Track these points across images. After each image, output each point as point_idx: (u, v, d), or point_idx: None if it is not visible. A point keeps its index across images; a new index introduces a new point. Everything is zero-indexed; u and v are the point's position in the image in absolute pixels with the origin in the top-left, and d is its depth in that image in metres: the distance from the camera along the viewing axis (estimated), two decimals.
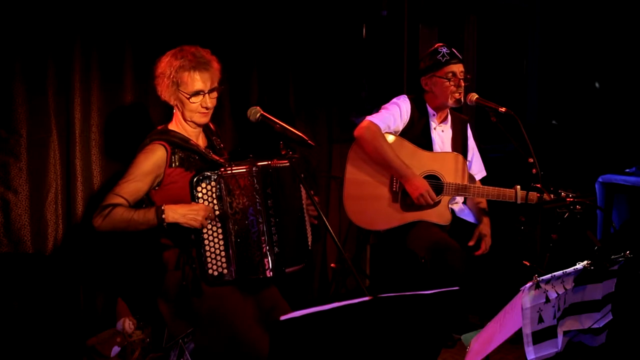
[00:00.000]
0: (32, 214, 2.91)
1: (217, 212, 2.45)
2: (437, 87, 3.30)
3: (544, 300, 1.91)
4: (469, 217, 3.47)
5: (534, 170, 3.05)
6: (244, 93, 3.65)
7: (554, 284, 1.94)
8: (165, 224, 2.39)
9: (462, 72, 3.29)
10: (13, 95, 2.83)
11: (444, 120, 3.43)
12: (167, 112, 2.94)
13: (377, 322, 1.78)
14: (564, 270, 1.98)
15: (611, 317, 2.16)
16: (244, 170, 2.47)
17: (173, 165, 2.51)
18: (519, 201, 3.19)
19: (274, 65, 3.78)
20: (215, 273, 2.45)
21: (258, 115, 2.49)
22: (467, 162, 3.43)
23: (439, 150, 3.35)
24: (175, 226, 2.40)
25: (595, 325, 2.12)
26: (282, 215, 2.52)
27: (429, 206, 3.22)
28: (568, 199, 2.99)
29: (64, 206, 3.02)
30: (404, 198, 3.25)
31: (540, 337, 1.92)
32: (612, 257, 2.10)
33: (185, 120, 2.58)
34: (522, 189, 3.18)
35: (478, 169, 3.54)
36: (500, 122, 3.15)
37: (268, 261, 2.47)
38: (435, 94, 3.32)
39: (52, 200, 2.97)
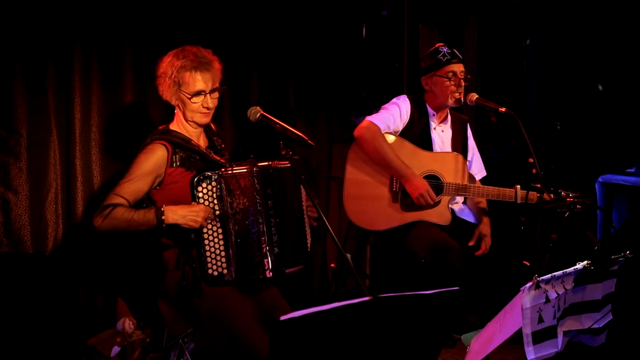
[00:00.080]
0: (32, 214, 2.91)
1: (218, 212, 2.45)
2: (438, 86, 3.30)
3: (544, 300, 1.91)
4: (469, 217, 3.47)
5: (534, 170, 3.05)
6: (244, 93, 3.64)
7: (554, 284, 1.94)
8: (164, 225, 2.39)
9: (462, 71, 3.30)
10: (13, 95, 2.83)
11: (443, 120, 3.43)
12: (167, 112, 2.95)
13: (377, 322, 1.78)
14: (564, 270, 1.98)
15: (611, 317, 2.16)
16: (245, 170, 2.47)
17: (174, 165, 2.51)
18: (519, 201, 3.19)
19: (274, 65, 3.78)
20: (215, 273, 2.45)
21: (258, 115, 2.49)
22: (467, 162, 3.43)
23: (439, 150, 3.36)
24: (175, 226, 2.40)
25: (595, 325, 2.12)
26: (283, 216, 2.52)
27: (429, 206, 3.22)
28: (568, 199, 2.99)
29: (64, 206, 3.02)
30: (404, 198, 3.25)
31: (540, 337, 1.92)
32: (612, 257, 2.10)
33: (186, 120, 2.58)
34: (522, 188, 3.18)
35: (478, 169, 3.54)
36: (500, 122, 3.16)
37: (268, 261, 2.47)
38: (436, 94, 3.33)
39: (52, 200, 2.97)
